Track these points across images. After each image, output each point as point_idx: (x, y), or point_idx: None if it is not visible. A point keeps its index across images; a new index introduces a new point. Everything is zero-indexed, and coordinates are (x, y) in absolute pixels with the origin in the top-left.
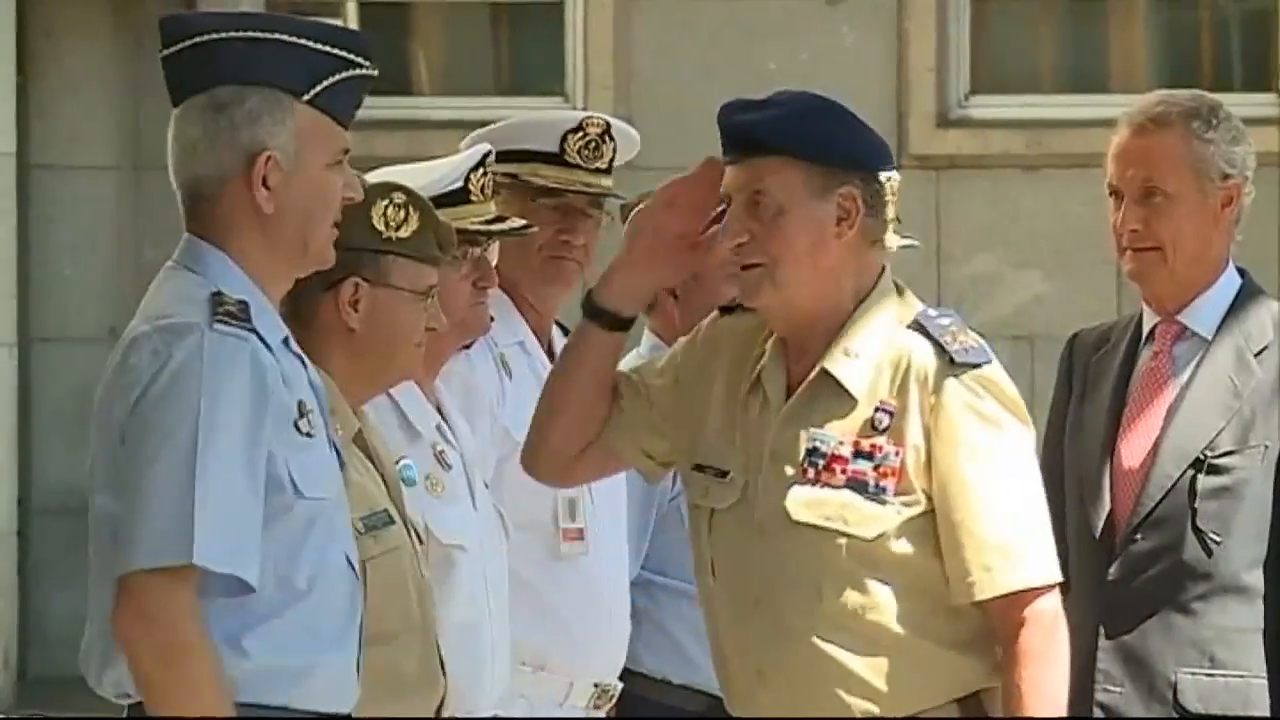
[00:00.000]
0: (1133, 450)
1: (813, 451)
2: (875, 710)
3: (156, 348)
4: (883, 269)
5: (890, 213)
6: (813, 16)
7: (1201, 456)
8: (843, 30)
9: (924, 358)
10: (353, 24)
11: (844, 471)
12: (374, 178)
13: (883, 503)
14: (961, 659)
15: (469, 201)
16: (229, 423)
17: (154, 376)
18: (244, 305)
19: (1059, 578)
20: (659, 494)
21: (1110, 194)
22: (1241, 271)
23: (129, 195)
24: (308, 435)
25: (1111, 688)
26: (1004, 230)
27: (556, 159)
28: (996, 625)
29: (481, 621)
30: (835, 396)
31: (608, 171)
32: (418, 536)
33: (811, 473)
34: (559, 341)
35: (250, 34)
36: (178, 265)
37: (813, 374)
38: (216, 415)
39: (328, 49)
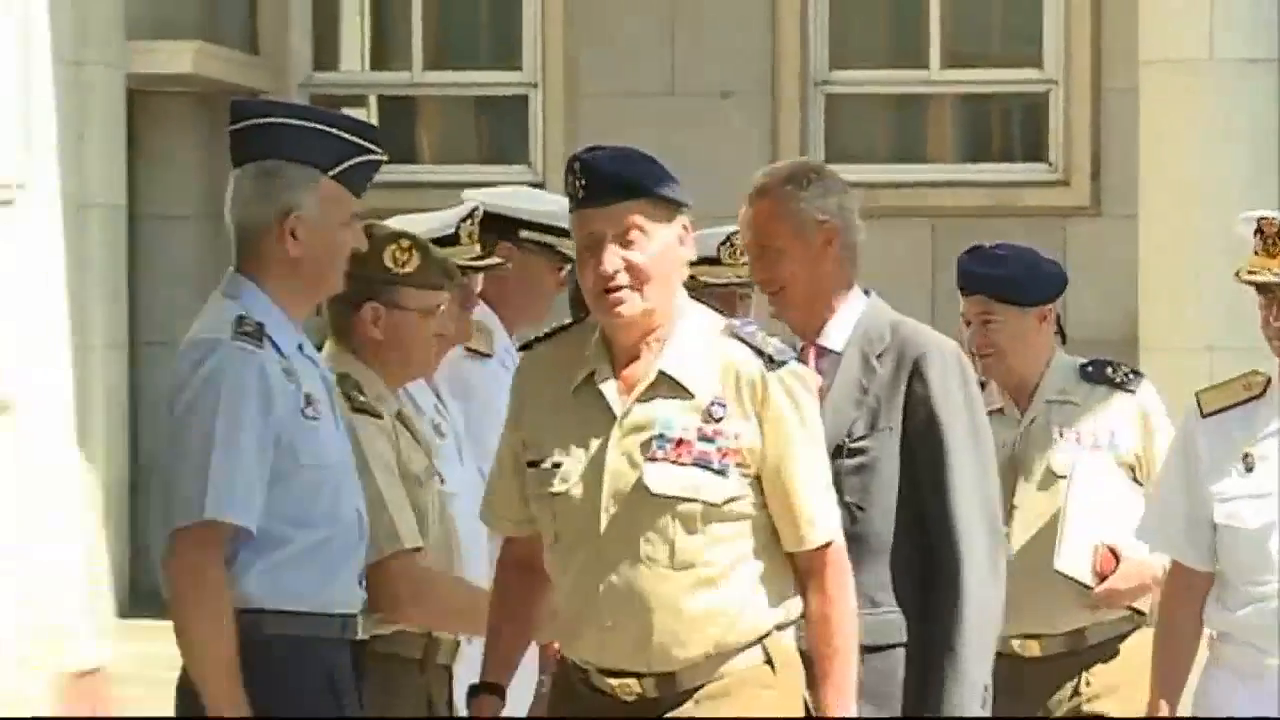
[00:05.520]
0: None
1: (660, 437)
2: (708, 649)
3: (195, 358)
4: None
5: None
6: (707, 109)
7: (842, 443)
8: (731, 118)
9: (749, 362)
10: (373, 110)
11: (690, 453)
12: (392, 223)
13: (725, 475)
14: (765, 600)
15: (458, 243)
16: (241, 412)
17: (191, 379)
18: (260, 326)
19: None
20: None
21: (745, 253)
22: (867, 292)
23: (209, 237)
24: (313, 419)
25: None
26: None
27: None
28: (806, 568)
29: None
30: (673, 391)
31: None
32: None
33: (660, 453)
34: None
35: (295, 121)
36: (221, 293)
37: (652, 375)
38: (232, 408)
39: (351, 138)
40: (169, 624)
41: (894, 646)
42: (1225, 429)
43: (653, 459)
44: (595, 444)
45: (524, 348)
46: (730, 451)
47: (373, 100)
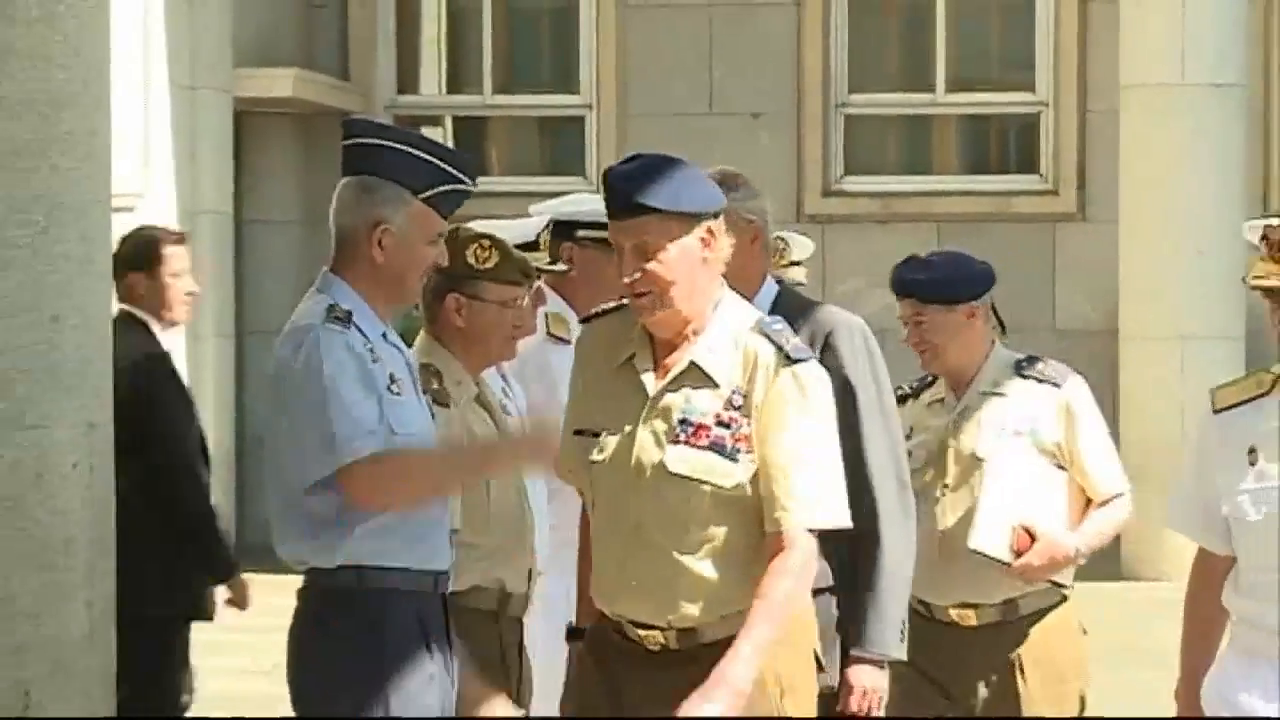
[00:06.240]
0: None
1: (683, 421)
2: (724, 611)
3: (296, 342)
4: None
5: (728, 243)
6: (740, 127)
7: None
8: (761, 136)
9: (766, 355)
10: (448, 129)
11: (708, 437)
12: (478, 225)
13: (737, 460)
14: (756, 572)
15: (537, 249)
16: (344, 373)
17: (295, 358)
18: (348, 312)
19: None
20: None
21: None
22: (779, 282)
23: (305, 239)
24: (397, 394)
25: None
26: (865, 261)
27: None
28: (770, 548)
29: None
30: (700, 380)
31: None
32: None
33: (683, 436)
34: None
35: (397, 145)
36: (315, 289)
37: (683, 364)
38: (335, 371)
39: (444, 166)
40: (270, 578)
41: (821, 591)
42: (1235, 424)
43: (675, 441)
44: (629, 421)
45: (584, 320)
46: (743, 438)
47: (448, 120)
